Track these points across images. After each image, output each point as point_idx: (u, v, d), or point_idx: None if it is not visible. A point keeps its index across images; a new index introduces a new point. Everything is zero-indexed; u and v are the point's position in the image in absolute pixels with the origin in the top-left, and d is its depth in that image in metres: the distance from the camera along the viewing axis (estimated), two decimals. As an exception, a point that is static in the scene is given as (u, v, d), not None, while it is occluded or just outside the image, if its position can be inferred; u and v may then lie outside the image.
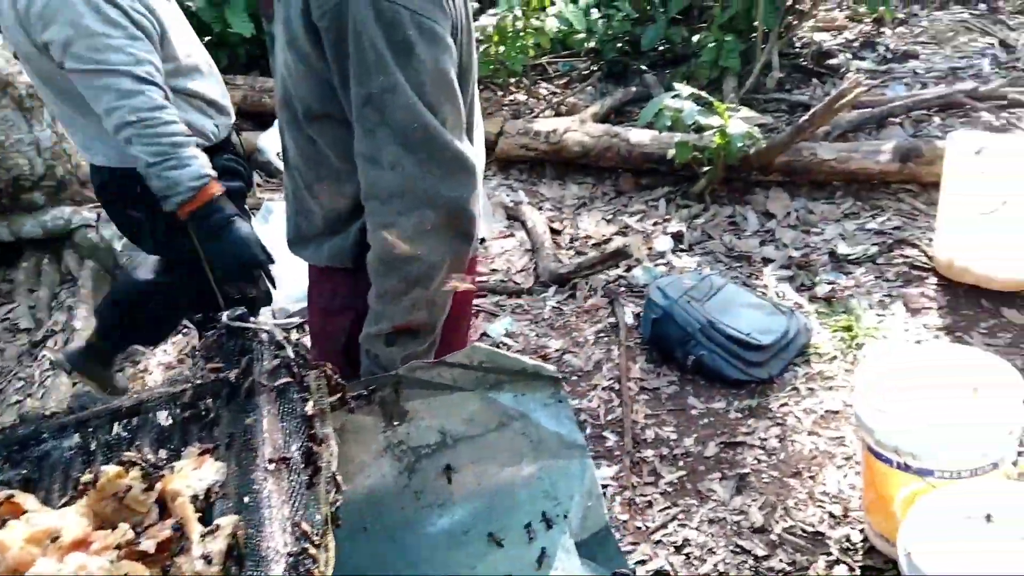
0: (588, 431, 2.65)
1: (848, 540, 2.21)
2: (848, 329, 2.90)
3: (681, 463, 2.51)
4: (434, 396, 1.19)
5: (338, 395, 1.08)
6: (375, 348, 1.39)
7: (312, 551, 0.82)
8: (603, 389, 2.82)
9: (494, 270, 3.53)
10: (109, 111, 2.05)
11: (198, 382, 1.10)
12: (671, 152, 3.69)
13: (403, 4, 1.25)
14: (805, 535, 2.25)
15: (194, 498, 0.91)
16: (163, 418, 1.07)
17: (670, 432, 2.62)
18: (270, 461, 0.90)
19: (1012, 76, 4.44)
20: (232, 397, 1.06)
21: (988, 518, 1.88)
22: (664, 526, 2.33)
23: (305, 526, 0.85)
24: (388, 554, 1.14)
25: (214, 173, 2.15)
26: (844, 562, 2.16)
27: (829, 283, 3.20)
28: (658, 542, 2.29)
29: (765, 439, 2.55)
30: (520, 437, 1.21)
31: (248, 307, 1.30)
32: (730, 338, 2.73)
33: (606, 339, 3.05)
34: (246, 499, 0.88)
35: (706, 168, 3.70)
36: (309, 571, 0.81)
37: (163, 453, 1.00)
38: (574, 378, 2.87)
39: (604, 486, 2.45)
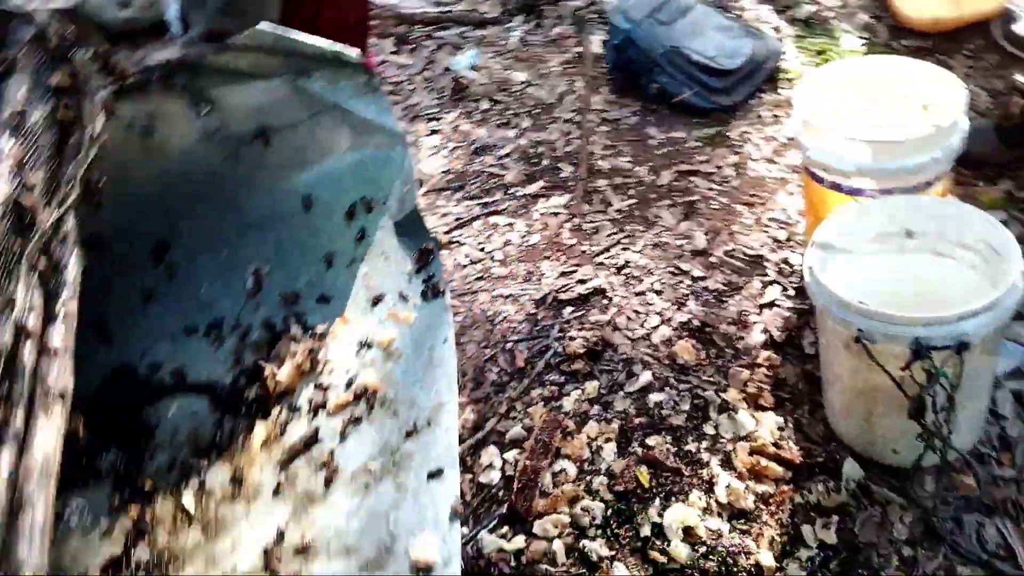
0: (545, 162, 2.63)
1: (787, 263, 2.21)
2: (822, 52, 2.74)
3: (633, 192, 2.50)
4: (237, 84, 1.17)
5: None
6: None
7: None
8: (564, 121, 2.76)
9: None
10: None
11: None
12: None
13: None
14: (744, 258, 2.25)
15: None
16: None
17: (625, 162, 2.59)
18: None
19: None
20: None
21: (909, 234, 1.83)
22: (607, 250, 2.35)
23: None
24: (216, 228, 1.18)
25: None
26: (779, 283, 2.17)
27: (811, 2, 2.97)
28: (600, 264, 2.32)
29: (720, 167, 2.51)
30: (339, 126, 1.21)
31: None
32: (694, 64, 2.61)
33: (572, 70, 2.94)
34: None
35: None
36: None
37: None
38: (536, 111, 2.81)
39: (555, 214, 2.47)
